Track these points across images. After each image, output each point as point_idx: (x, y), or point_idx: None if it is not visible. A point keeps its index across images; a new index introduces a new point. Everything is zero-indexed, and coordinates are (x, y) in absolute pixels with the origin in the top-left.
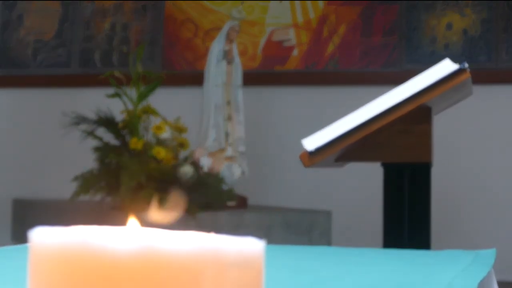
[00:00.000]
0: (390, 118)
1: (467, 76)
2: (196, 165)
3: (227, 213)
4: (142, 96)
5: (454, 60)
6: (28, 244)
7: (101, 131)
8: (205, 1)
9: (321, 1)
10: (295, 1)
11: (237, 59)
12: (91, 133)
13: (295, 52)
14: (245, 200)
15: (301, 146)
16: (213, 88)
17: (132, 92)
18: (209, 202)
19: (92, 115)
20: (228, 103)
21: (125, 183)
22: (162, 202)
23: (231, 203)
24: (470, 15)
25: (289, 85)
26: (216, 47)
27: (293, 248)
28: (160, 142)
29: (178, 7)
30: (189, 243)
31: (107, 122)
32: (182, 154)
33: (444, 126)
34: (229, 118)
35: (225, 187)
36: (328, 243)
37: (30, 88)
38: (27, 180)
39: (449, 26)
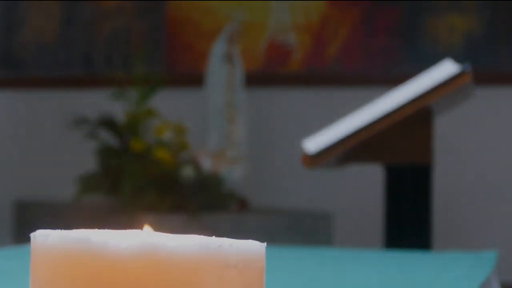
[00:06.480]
0: (392, 120)
1: (469, 77)
2: (197, 167)
3: (228, 215)
4: (144, 98)
5: (456, 61)
6: (29, 246)
7: (103, 133)
8: (206, 2)
9: (323, 2)
10: (296, 2)
11: (239, 61)
12: (92, 135)
13: (297, 54)
14: (246, 202)
15: (302, 148)
16: (214, 90)
17: (134, 93)
18: (210, 204)
19: (93, 117)
20: (229, 104)
21: (126, 185)
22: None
23: (232, 205)
24: (472, 16)
25: (291, 87)
26: (218, 48)
27: (294, 249)
28: (162, 144)
29: (180, 9)
30: (191, 246)
31: (108, 123)
32: (183, 155)
33: (446, 127)
34: (230, 119)
35: (226, 189)
36: (330, 245)
37: (31, 89)
38: (28, 181)
39: (451, 28)
